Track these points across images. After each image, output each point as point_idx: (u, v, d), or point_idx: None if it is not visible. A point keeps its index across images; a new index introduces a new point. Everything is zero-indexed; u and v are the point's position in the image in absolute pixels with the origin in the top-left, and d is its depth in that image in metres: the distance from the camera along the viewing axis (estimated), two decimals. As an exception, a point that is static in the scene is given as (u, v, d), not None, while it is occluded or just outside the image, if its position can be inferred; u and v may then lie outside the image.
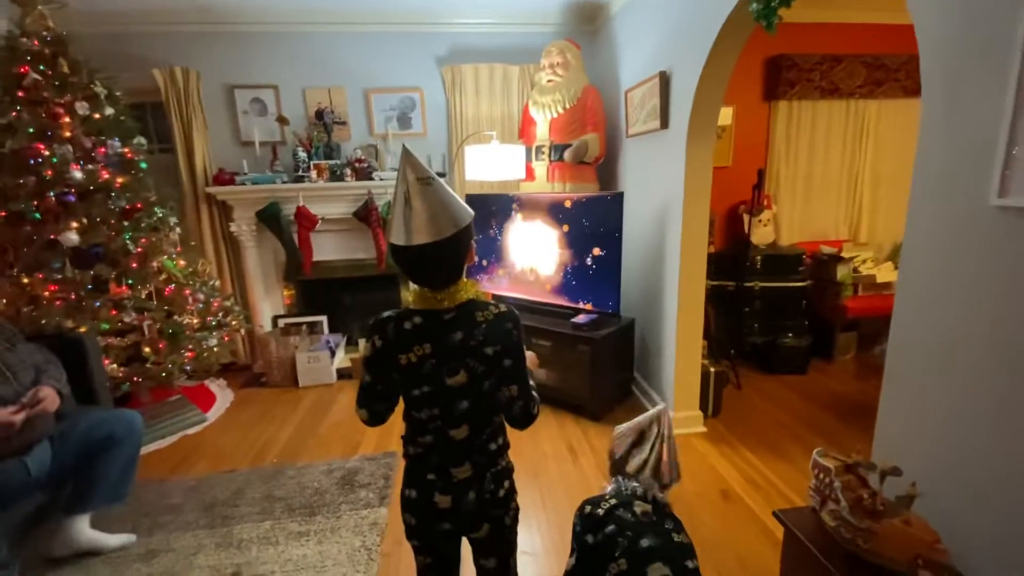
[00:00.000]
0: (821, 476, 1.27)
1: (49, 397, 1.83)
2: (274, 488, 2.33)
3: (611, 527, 1.13)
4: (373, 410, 1.14)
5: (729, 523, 2.03)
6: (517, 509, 1.22)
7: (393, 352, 1.06)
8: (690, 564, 1.08)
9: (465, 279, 1.10)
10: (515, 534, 1.23)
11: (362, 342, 3.84)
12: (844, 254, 3.63)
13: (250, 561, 1.87)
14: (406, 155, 1.00)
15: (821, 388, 3.22)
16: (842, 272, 3.52)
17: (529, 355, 1.34)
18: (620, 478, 1.26)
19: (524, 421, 1.13)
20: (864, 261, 3.69)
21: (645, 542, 1.08)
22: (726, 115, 3.66)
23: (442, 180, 1.05)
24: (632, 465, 1.25)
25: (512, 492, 1.19)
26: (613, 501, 1.18)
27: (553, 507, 2.16)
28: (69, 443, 1.88)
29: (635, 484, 1.21)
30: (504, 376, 1.09)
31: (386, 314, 1.09)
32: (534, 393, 1.15)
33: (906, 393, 1.30)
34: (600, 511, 1.17)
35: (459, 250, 1.04)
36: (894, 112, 3.79)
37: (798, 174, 3.82)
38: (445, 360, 1.05)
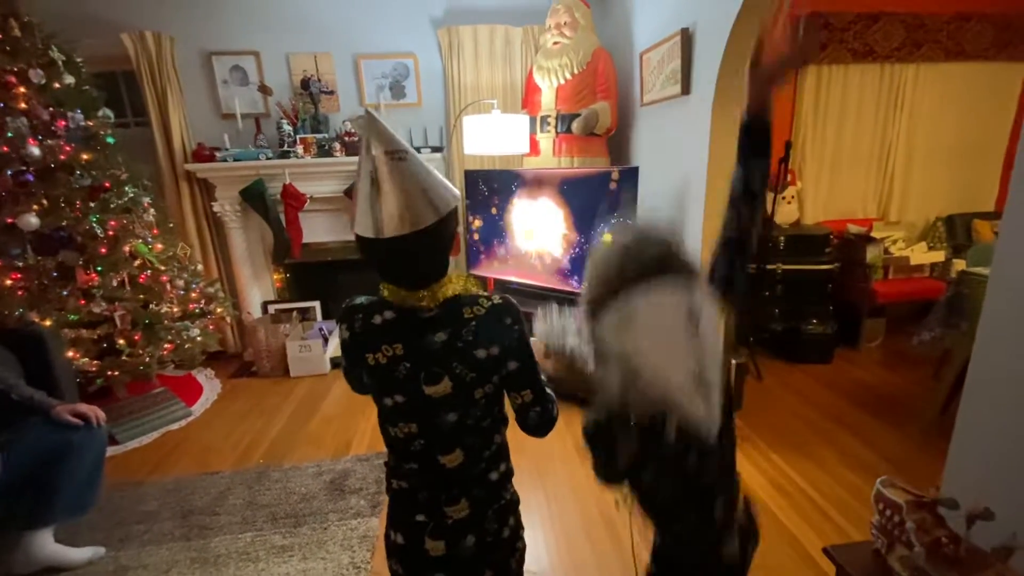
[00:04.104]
0: (888, 513, 1.05)
1: (80, 412, 1.77)
2: (258, 493, 2.15)
3: None
4: (356, 385, 1.01)
5: (755, 536, 1.83)
6: (524, 548, 1.02)
7: (360, 349, 0.88)
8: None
9: (451, 273, 0.89)
10: (521, 574, 1.04)
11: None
12: (874, 234, 3.36)
13: (226, 581, 1.70)
14: (370, 122, 0.79)
15: (848, 378, 3.00)
16: (872, 253, 3.25)
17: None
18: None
19: (543, 428, 0.94)
20: (895, 241, 3.42)
21: None
22: (748, 82, 3.35)
23: (417, 153, 0.83)
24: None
25: (518, 529, 1.00)
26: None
27: (560, 514, 1.97)
28: (22, 450, 1.69)
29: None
30: (512, 382, 0.91)
31: (357, 300, 0.91)
32: (549, 391, 0.95)
33: (993, 415, 1.07)
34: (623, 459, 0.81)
35: (441, 242, 0.85)
36: (933, 77, 3.46)
37: (825, 147, 3.53)
38: (423, 364, 0.86)
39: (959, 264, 3.09)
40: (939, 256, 3.33)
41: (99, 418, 1.79)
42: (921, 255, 3.31)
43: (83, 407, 1.78)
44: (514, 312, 0.90)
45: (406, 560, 0.94)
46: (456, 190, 0.88)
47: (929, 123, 3.52)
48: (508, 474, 0.98)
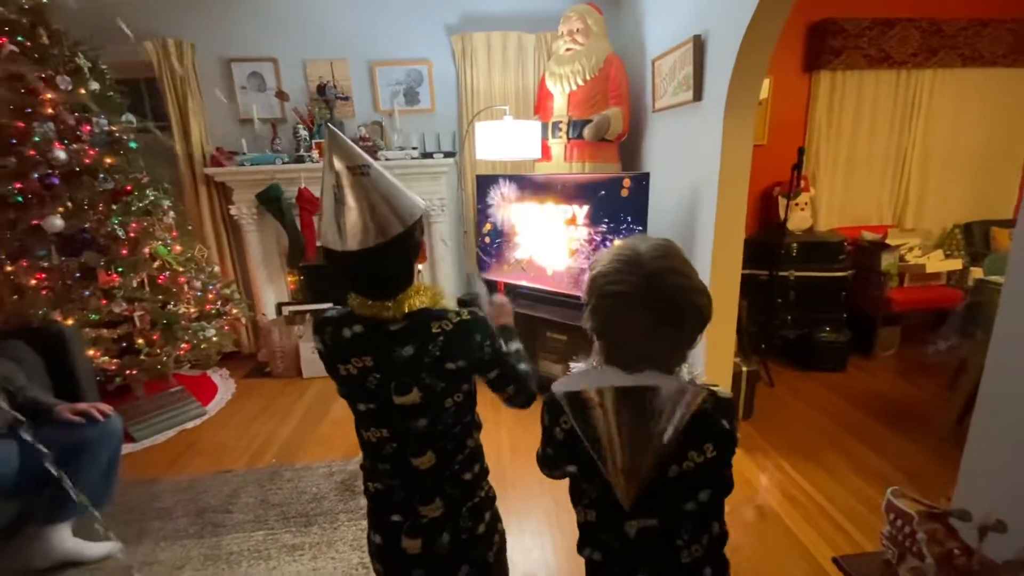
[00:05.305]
0: (899, 523, 1.04)
1: (81, 410, 1.77)
2: (270, 492, 2.18)
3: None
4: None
5: (765, 545, 1.82)
6: (503, 539, 1.06)
7: (332, 360, 0.92)
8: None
9: (417, 283, 0.92)
10: (504, 563, 1.07)
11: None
12: (889, 241, 3.32)
13: (238, 579, 1.73)
14: (332, 138, 0.83)
15: (861, 387, 2.96)
16: (887, 261, 3.21)
17: (502, 303, 1.14)
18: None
19: (527, 402, 1.02)
20: (911, 249, 3.37)
21: None
22: (762, 88, 3.34)
23: (380, 167, 0.87)
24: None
25: (495, 523, 1.03)
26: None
27: (568, 522, 1.95)
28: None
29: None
30: (497, 384, 0.99)
31: (328, 314, 0.94)
32: (524, 367, 1.01)
33: (1006, 426, 1.06)
34: (560, 432, 0.80)
35: (405, 253, 0.88)
36: (950, 83, 3.42)
37: (839, 153, 3.49)
38: (392, 376, 0.88)
39: (976, 272, 3.04)
40: (956, 264, 3.27)
41: (103, 412, 1.81)
42: (937, 263, 3.26)
43: (84, 405, 1.80)
44: (483, 328, 0.92)
45: (385, 560, 0.98)
46: (421, 200, 0.91)
47: (946, 129, 3.47)
48: (482, 473, 1.01)
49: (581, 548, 0.86)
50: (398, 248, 0.84)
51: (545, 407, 0.83)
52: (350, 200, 0.81)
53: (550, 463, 0.89)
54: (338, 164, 0.82)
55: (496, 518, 1.04)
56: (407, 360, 0.87)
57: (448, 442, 0.93)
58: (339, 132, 0.85)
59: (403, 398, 0.88)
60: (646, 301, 0.69)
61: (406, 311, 0.88)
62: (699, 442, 0.73)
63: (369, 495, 0.99)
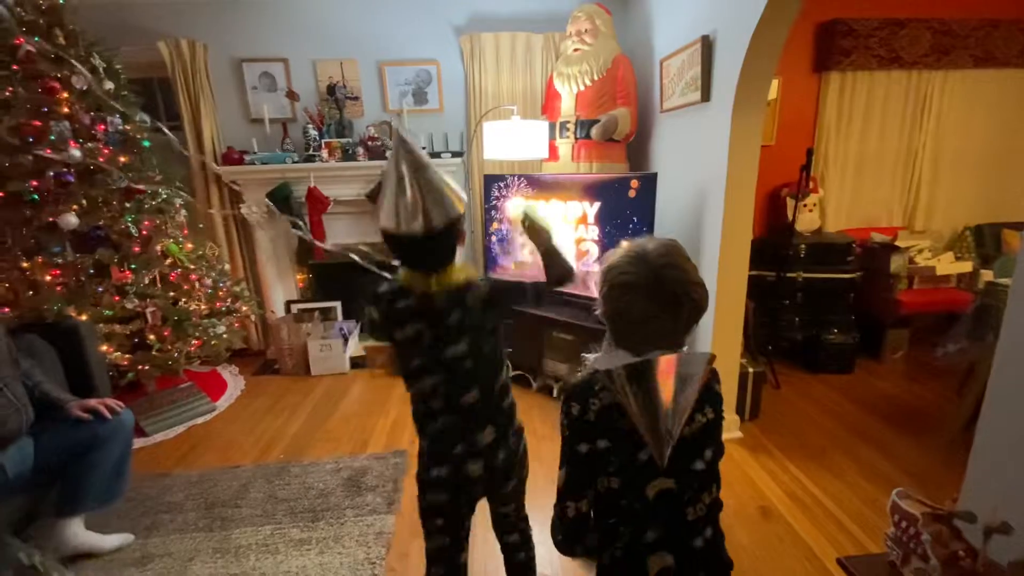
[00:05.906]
0: (904, 524, 1.04)
1: (90, 407, 1.80)
2: (278, 488, 2.21)
3: (604, 441, 0.83)
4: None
5: (770, 545, 1.82)
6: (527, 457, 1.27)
7: (387, 326, 1.10)
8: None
9: (457, 263, 1.09)
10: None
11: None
12: (899, 243, 3.29)
13: (246, 571, 1.75)
14: (400, 141, 1.00)
15: (869, 389, 2.95)
16: (897, 263, 3.19)
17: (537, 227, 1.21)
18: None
19: (566, 283, 1.20)
20: (921, 251, 3.35)
21: (644, 455, 0.81)
22: (771, 88, 3.33)
23: (436, 167, 1.04)
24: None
25: (526, 449, 1.25)
26: (604, 394, 0.82)
27: (573, 519, 1.98)
28: (52, 442, 1.76)
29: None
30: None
31: (381, 289, 1.11)
32: (555, 262, 1.17)
33: (1013, 428, 1.06)
34: (591, 414, 0.83)
35: (451, 238, 1.06)
36: (961, 84, 3.39)
37: (849, 154, 3.48)
38: (444, 334, 1.07)
39: (987, 275, 3.02)
40: (966, 267, 3.25)
41: (112, 409, 1.82)
42: (948, 265, 3.23)
43: (93, 402, 1.82)
44: (496, 297, 1.11)
45: (450, 486, 1.13)
46: (464, 195, 1.08)
47: (957, 130, 3.44)
48: (514, 404, 1.21)
49: (598, 518, 0.90)
50: (445, 235, 1.02)
51: (572, 397, 0.85)
52: (411, 193, 0.97)
53: (583, 472, 0.87)
54: (404, 164, 0.98)
55: (526, 446, 1.24)
56: (455, 324, 1.06)
57: (487, 376, 1.12)
58: (407, 137, 1.00)
59: (453, 349, 1.07)
60: (649, 291, 0.79)
61: (448, 285, 1.05)
62: (702, 404, 0.85)
63: (428, 436, 1.15)
